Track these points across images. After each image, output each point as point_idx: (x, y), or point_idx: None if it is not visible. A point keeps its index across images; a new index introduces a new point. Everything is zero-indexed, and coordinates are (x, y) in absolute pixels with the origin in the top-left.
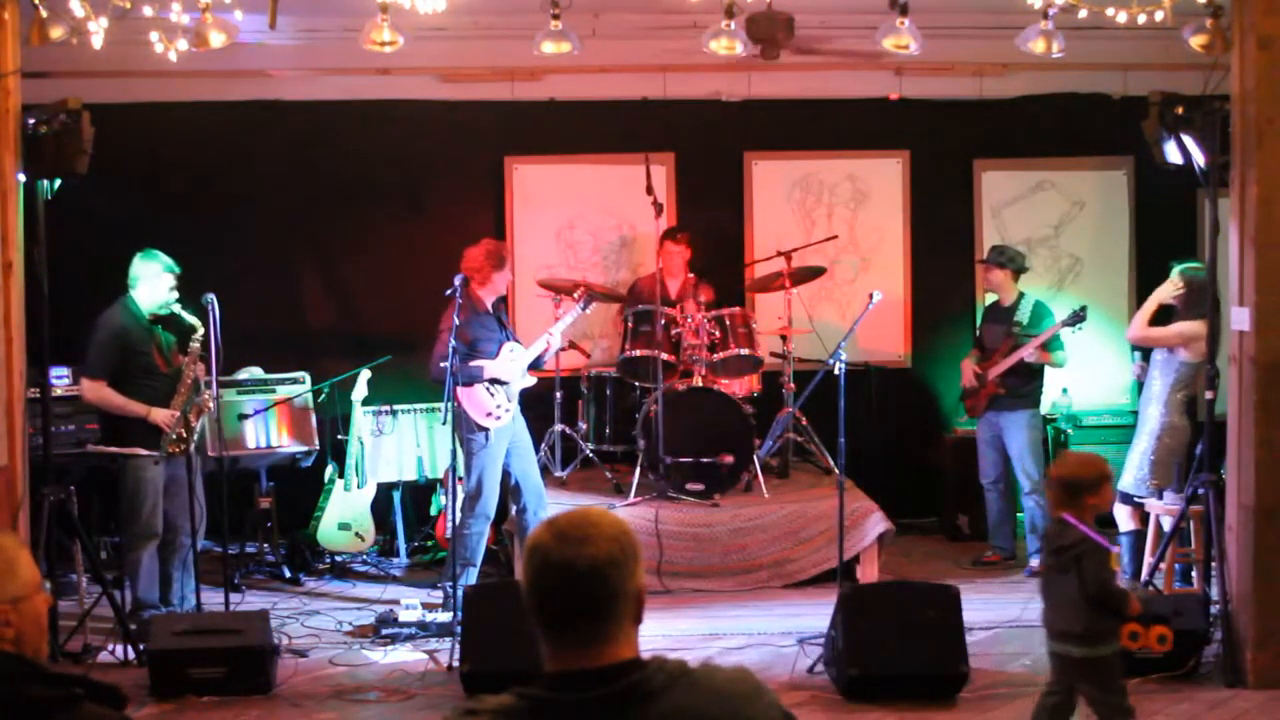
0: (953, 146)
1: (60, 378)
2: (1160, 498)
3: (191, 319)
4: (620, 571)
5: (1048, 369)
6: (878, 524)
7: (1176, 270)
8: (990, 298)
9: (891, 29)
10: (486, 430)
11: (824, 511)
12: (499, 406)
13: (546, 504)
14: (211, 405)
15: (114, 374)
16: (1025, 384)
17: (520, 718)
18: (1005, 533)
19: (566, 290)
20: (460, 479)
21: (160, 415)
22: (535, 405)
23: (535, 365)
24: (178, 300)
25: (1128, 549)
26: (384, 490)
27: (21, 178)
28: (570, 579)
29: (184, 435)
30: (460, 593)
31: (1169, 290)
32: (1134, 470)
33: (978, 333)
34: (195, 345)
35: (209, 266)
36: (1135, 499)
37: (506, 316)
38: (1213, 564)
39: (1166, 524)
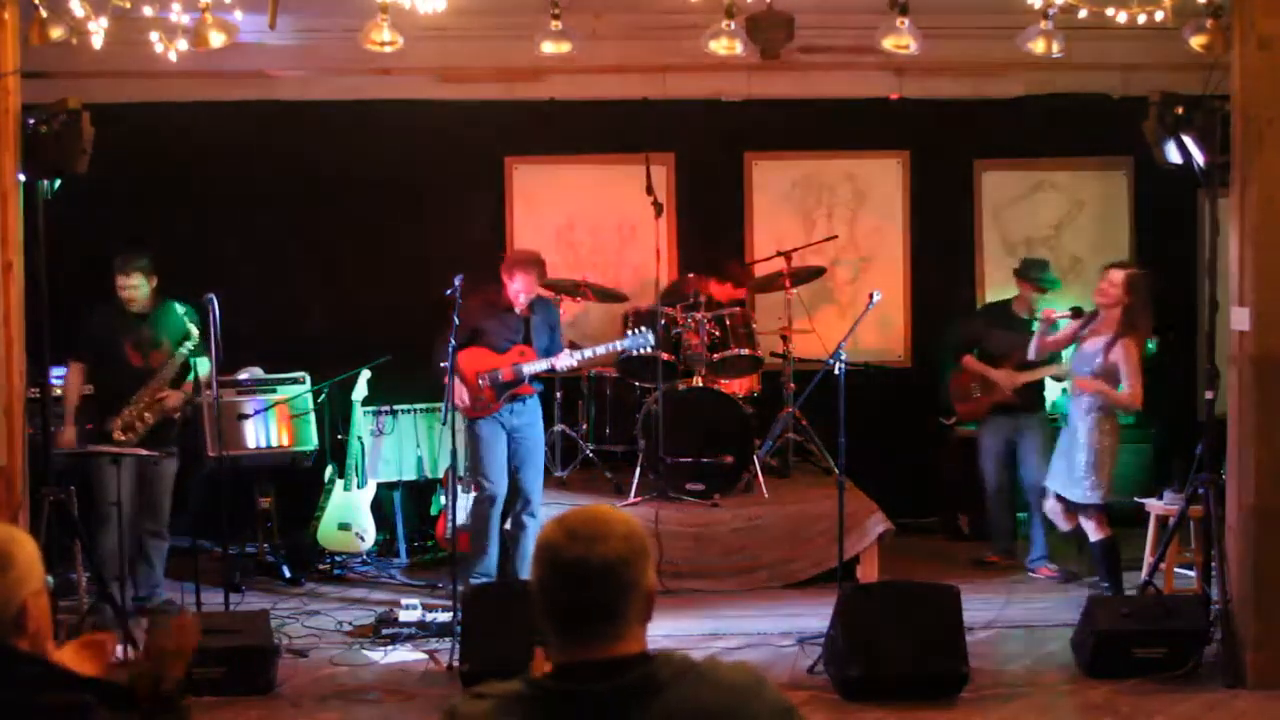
0: (953, 146)
1: (60, 378)
2: (1094, 498)
3: (190, 325)
4: (632, 570)
5: None
6: (878, 524)
7: (1115, 270)
8: (991, 297)
9: (891, 29)
10: (472, 417)
11: (824, 511)
12: (476, 400)
13: (535, 508)
14: (168, 403)
15: (88, 358)
16: (1038, 388)
17: (528, 706)
18: (1006, 533)
19: (567, 290)
20: (460, 478)
21: (64, 437)
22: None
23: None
24: (150, 298)
25: (1100, 559)
26: (384, 490)
27: (21, 178)
28: (582, 578)
29: (136, 429)
30: (460, 591)
31: (1114, 294)
32: (1079, 483)
33: (971, 333)
34: (186, 347)
35: (209, 266)
36: (1101, 506)
37: (543, 321)
38: (1212, 564)
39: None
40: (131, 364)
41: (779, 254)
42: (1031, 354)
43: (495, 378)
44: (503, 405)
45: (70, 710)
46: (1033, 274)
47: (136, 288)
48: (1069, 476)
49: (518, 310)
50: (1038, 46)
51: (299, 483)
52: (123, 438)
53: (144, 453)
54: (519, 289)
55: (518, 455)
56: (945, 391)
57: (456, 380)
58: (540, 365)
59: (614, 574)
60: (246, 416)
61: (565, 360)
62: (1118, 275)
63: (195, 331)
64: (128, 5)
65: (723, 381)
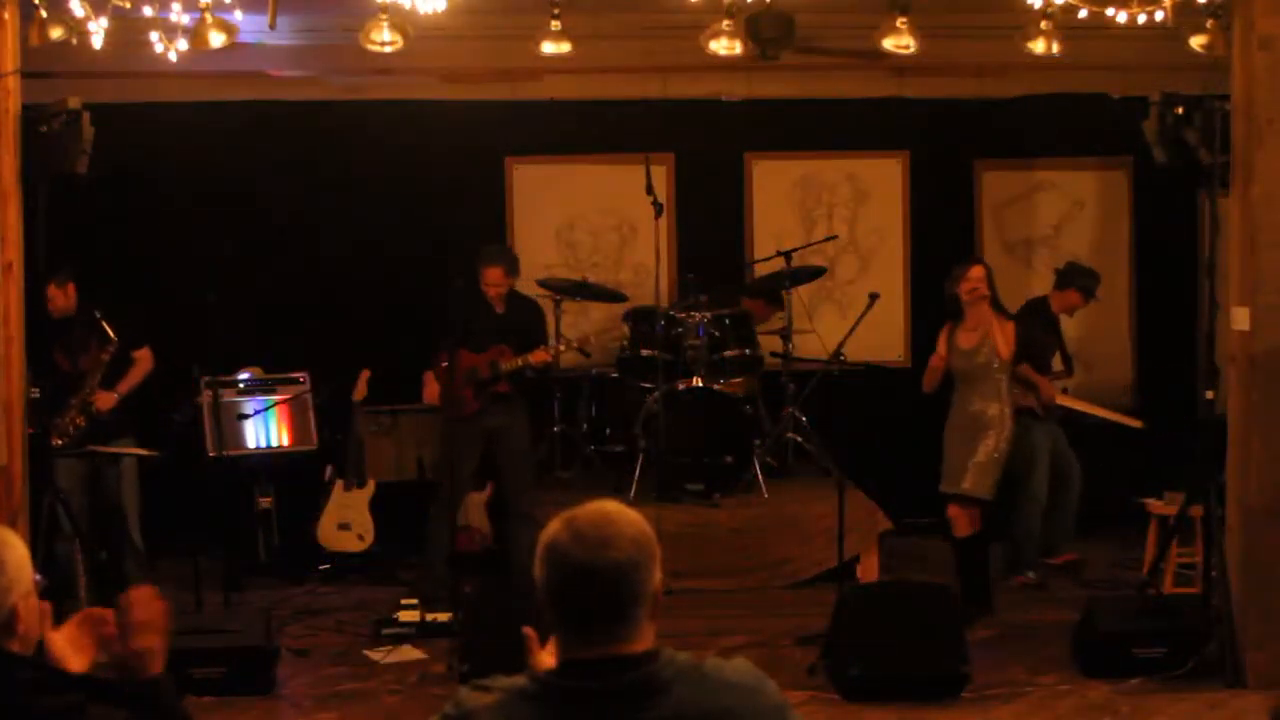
0: (953, 146)
1: None
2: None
3: (109, 330)
4: (639, 572)
5: None
6: (878, 524)
7: (976, 266)
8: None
9: (891, 29)
10: (449, 417)
11: (824, 511)
12: (455, 399)
13: (527, 509)
14: (97, 405)
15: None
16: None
17: (532, 700)
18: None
19: (566, 290)
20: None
21: None
22: (536, 405)
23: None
24: (70, 304)
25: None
26: (384, 490)
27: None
28: (589, 582)
29: (70, 433)
30: (460, 592)
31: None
32: (978, 481)
33: (1026, 337)
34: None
35: (209, 266)
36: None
37: (521, 320)
38: (1212, 564)
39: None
40: (61, 369)
41: (779, 254)
42: (927, 387)
43: (473, 376)
44: (482, 405)
45: (65, 712)
46: (1087, 283)
47: (52, 300)
48: (971, 475)
49: (495, 308)
50: (1038, 46)
51: (299, 483)
52: (59, 443)
53: (144, 453)
54: (488, 284)
55: (500, 456)
56: None
57: (436, 381)
58: (515, 363)
59: (621, 577)
60: (246, 416)
61: (540, 356)
62: (980, 270)
63: (113, 335)
64: (128, 5)
65: (723, 381)
